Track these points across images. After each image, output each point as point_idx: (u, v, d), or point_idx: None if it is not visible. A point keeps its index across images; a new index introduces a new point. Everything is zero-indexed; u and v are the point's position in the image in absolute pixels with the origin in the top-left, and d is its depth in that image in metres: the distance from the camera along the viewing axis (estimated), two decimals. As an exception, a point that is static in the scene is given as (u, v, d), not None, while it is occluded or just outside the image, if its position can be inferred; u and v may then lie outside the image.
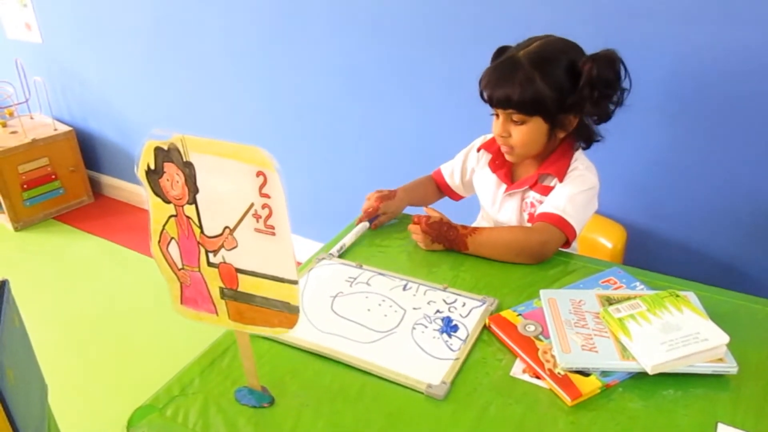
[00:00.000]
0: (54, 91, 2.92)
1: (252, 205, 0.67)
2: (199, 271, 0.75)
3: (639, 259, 1.19)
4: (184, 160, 0.67)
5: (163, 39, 2.39)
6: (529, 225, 1.24)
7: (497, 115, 1.18)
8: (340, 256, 1.18)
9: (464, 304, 1.02)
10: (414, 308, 1.01)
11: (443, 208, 1.28)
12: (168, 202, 0.72)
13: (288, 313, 0.72)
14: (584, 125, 1.19)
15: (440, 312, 1.00)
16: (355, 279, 1.09)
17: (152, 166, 0.69)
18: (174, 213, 0.72)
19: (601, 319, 0.94)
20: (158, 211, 0.73)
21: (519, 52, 1.12)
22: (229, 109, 2.37)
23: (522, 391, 0.86)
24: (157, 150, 0.68)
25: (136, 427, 0.83)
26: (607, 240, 1.45)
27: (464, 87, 1.38)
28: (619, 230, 1.48)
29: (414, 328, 0.97)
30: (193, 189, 0.69)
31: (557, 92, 1.10)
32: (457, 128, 1.34)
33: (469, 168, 1.38)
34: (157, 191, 0.71)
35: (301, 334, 0.94)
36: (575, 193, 1.16)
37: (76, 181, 2.96)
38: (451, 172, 1.41)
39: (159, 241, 0.75)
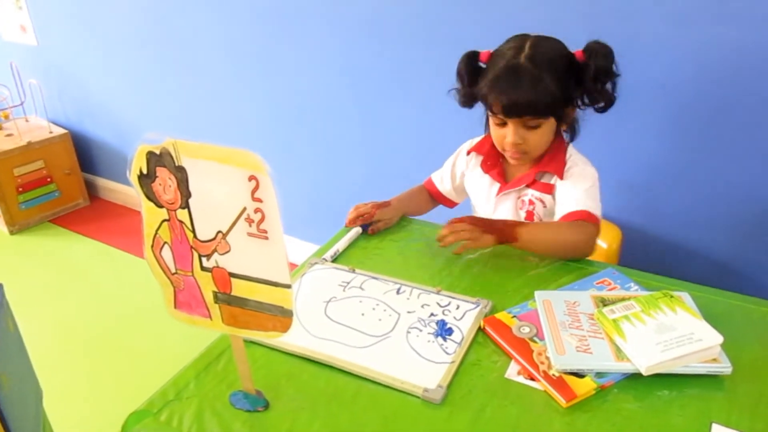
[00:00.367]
0: (49, 93, 2.91)
1: (244, 209, 0.67)
2: (193, 275, 0.75)
3: (634, 260, 1.20)
4: (177, 164, 0.67)
5: (158, 41, 2.39)
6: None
7: (502, 124, 1.17)
8: (334, 261, 1.18)
9: (458, 307, 1.02)
10: (408, 312, 1.01)
11: (436, 217, 1.28)
12: (161, 206, 0.71)
13: (282, 317, 0.72)
14: (574, 117, 1.22)
15: (434, 315, 1.00)
16: (348, 283, 1.09)
17: (144, 171, 0.69)
18: (167, 217, 0.72)
19: (596, 320, 0.94)
20: (151, 216, 0.73)
21: (518, 56, 1.11)
22: (226, 111, 2.37)
23: (517, 393, 0.86)
24: (150, 154, 0.68)
25: (130, 432, 0.83)
26: (602, 240, 1.45)
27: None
28: (614, 231, 1.48)
29: (409, 332, 0.96)
30: (185, 193, 0.69)
31: (564, 89, 1.12)
32: (456, 130, 1.34)
33: (458, 172, 1.38)
34: (150, 196, 0.71)
35: (295, 339, 0.94)
36: (588, 187, 1.18)
37: (71, 184, 2.95)
38: (441, 179, 1.41)
39: (152, 246, 0.75)
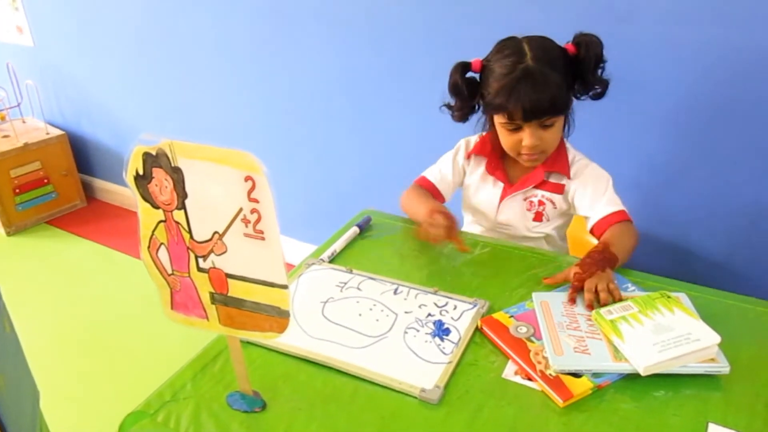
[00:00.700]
0: (46, 94, 2.91)
1: (241, 209, 0.67)
2: (189, 276, 0.75)
3: (632, 260, 1.20)
4: (173, 165, 0.67)
5: (155, 42, 2.39)
6: (535, 224, 1.28)
7: (516, 129, 1.16)
8: (331, 261, 1.18)
9: (455, 307, 1.02)
10: (405, 312, 1.01)
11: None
12: (157, 207, 0.71)
13: (278, 317, 0.72)
14: (572, 109, 1.23)
15: (432, 315, 1.00)
16: (345, 284, 1.09)
17: (141, 172, 0.69)
18: (163, 218, 0.72)
19: (593, 321, 0.94)
20: (147, 217, 0.73)
21: (523, 60, 1.11)
22: (222, 111, 2.37)
23: (514, 393, 0.86)
24: (146, 155, 0.68)
25: (127, 433, 0.83)
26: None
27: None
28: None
29: (406, 332, 0.96)
30: (181, 194, 0.69)
31: (569, 84, 1.14)
32: (453, 131, 1.34)
33: (460, 168, 1.35)
34: (146, 196, 0.71)
35: (292, 340, 0.94)
36: (611, 186, 1.23)
37: (68, 185, 2.94)
38: (439, 175, 1.35)
39: (149, 247, 0.75)
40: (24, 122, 2.93)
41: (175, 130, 2.55)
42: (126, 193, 2.97)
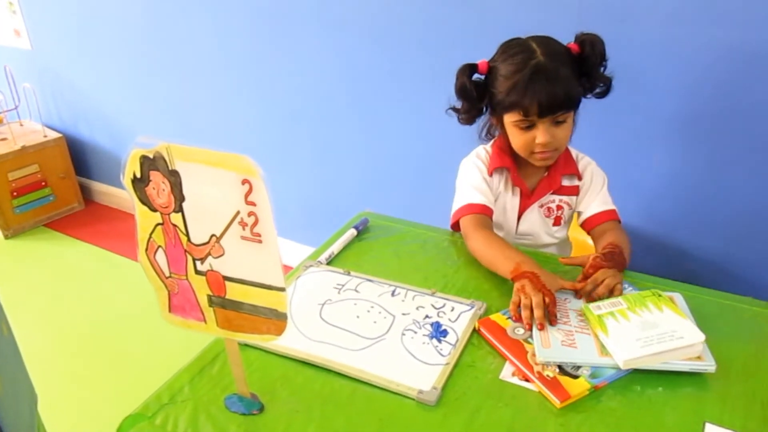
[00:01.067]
0: (44, 97, 2.91)
1: (238, 212, 0.67)
2: (187, 279, 0.75)
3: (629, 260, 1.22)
4: (170, 168, 0.67)
5: (153, 44, 2.39)
6: (556, 228, 1.29)
7: (529, 127, 1.14)
8: (328, 264, 1.18)
9: (453, 309, 1.02)
10: (403, 314, 1.01)
11: (436, 220, 1.27)
12: (154, 210, 0.72)
13: (276, 320, 0.72)
14: None
15: (429, 317, 1.00)
16: (343, 286, 1.09)
17: (138, 175, 0.69)
18: (160, 221, 0.72)
19: (582, 315, 0.95)
20: (145, 220, 0.73)
21: (534, 56, 1.10)
22: (221, 114, 2.37)
23: (511, 394, 0.86)
24: (143, 158, 0.68)
25: (125, 436, 0.83)
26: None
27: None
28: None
29: (404, 334, 0.97)
30: (179, 197, 0.69)
31: (578, 79, 1.14)
32: (453, 133, 1.33)
33: (491, 183, 1.25)
34: (144, 199, 0.71)
35: (290, 342, 0.94)
36: (605, 185, 1.26)
37: (66, 188, 2.94)
38: (481, 195, 1.22)
39: (146, 249, 0.75)
40: (21, 125, 2.93)
41: (173, 133, 2.55)
42: (124, 196, 2.97)
